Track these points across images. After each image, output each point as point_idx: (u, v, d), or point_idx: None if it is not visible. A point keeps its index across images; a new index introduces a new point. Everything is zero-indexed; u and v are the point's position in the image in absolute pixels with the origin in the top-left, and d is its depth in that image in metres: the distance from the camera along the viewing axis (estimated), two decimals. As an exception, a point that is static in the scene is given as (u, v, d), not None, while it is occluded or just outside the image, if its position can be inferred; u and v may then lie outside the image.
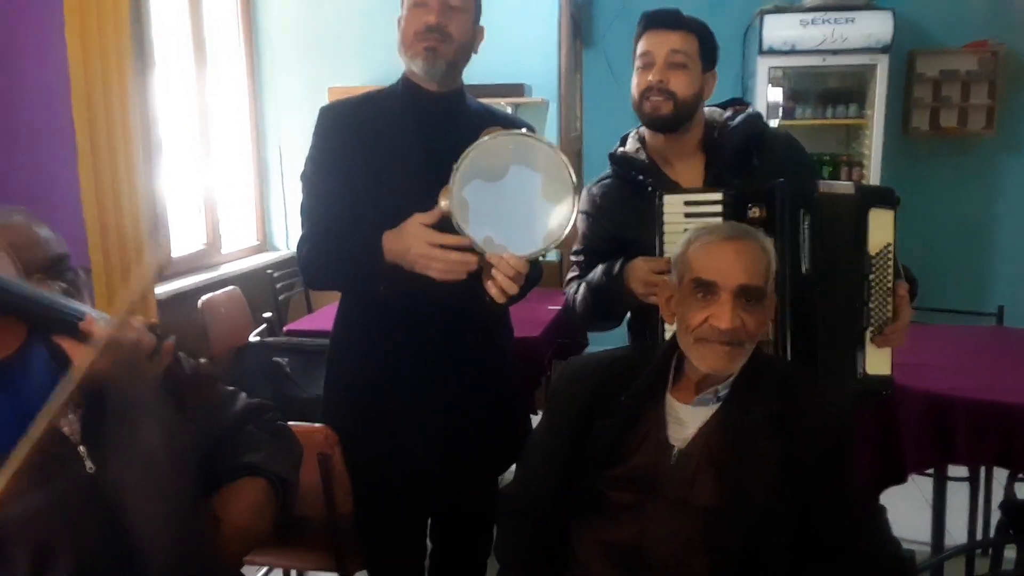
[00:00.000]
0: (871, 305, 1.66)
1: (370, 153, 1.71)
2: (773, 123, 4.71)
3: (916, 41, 4.74)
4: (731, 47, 4.88)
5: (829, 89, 4.76)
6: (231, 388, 1.59)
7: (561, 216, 1.56)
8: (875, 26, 4.35)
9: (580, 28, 4.87)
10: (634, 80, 1.87)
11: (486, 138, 1.55)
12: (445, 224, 1.55)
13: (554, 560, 1.53)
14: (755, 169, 1.82)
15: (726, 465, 1.39)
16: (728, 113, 1.94)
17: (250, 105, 4.28)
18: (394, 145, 1.72)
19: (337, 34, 4.16)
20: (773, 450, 1.38)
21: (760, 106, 4.54)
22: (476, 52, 1.78)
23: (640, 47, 1.85)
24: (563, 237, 1.56)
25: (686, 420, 1.45)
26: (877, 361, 1.68)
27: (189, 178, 3.67)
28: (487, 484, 1.93)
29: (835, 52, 4.42)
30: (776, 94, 4.70)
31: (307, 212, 1.78)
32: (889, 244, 1.67)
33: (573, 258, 2.00)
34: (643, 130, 1.94)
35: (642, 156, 1.90)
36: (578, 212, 1.57)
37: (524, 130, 1.58)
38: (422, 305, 1.68)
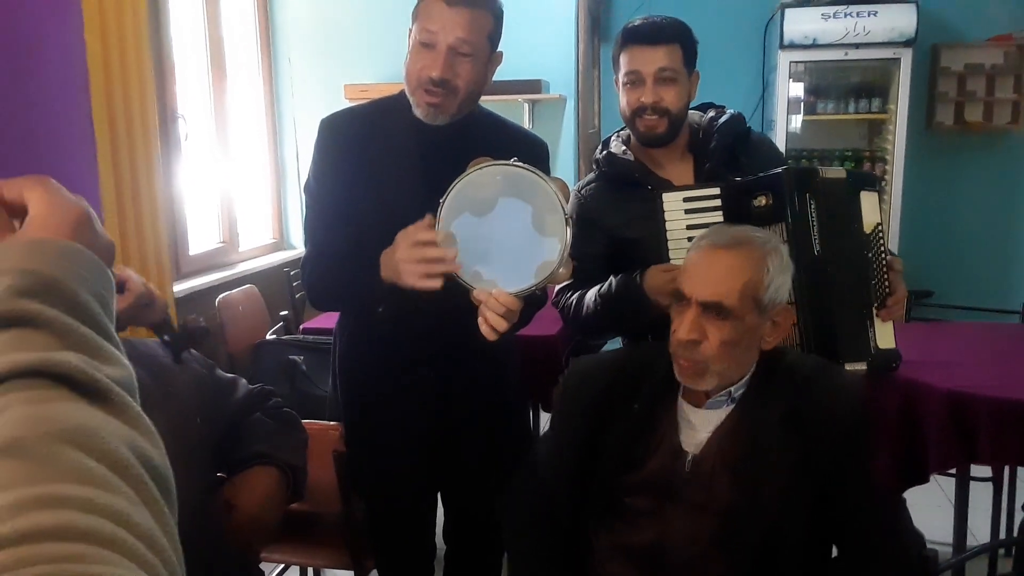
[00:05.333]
0: (873, 282, 1.73)
1: (372, 177, 1.68)
2: (796, 119, 4.68)
3: (940, 34, 4.67)
4: (752, 42, 4.84)
5: (851, 84, 4.70)
6: (231, 375, 1.60)
7: (554, 249, 1.46)
8: (898, 19, 4.28)
9: (598, 24, 4.85)
10: (622, 97, 1.87)
11: (472, 170, 1.46)
12: None
13: (569, 563, 1.51)
14: (743, 166, 1.85)
15: (741, 468, 1.37)
16: (711, 114, 1.96)
17: (267, 103, 4.29)
18: (397, 172, 1.68)
19: (352, 32, 4.16)
20: (788, 449, 1.36)
21: (781, 101, 4.51)
22: (489, 84, 1.71)
23: (624, 64, 1.84)
24: (557, 271, 1.47)
25: (698, 424, 1.43)
26: (884, 335, 1.74)
27: (207, 176, 3.69)
28: (497, 485, 1.92)
29: (857, 46, 4.36)
30: (797, 89, 4.65)
31: (310, 231, 1.77)
32: (879, 223, 1.75)
33: None
34: (626, 132, 1.94)
35: (630, 157, 1.91)
36: (571, 240, 1.47)
37: (514, 159, 1.47)
38: (420, 328, 1.64)
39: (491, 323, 1.45)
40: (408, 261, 1.48)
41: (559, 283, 1.55)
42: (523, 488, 1.62)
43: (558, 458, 1.53)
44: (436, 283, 1.47)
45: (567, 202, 1.46)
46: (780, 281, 1.40)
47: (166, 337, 1.39)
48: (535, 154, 1.77)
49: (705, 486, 1.38)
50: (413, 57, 1.62)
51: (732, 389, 1.41)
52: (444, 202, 1.45)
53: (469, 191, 1.46)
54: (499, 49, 1.70)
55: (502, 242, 1.46)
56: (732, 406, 1.41)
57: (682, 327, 1.37)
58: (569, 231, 1.45)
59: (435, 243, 1.46)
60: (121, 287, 1.20)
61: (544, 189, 1.45)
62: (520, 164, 1.46)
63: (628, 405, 1.46)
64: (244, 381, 1.62)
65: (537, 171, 1.46)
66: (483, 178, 1.46)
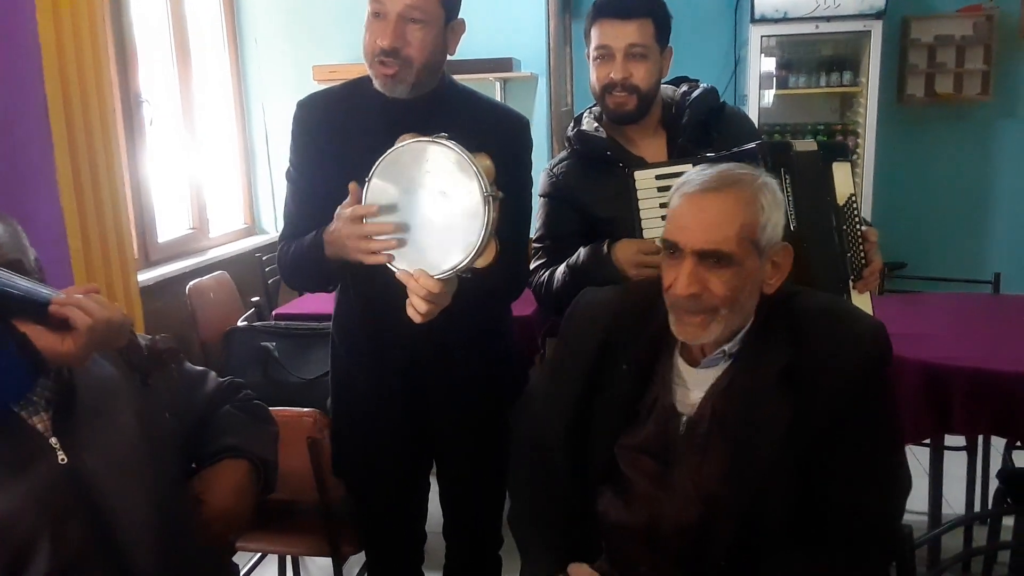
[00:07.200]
0: (848, 255, 1.72)
1: (343, 157, 1.64)
2: (768, 93, 4.67)
3: (910, 6, 4.68)
4: (723, 16, 4.82)
5: (823, 57, 4.71)
6: (200, 368, 1.58)
7: (476, 229, 1.38)
8: (868, -9, 4.29)
9: (569, 0, 4.80)
10: (592, 73, 1.85)
11: (398, 145, 1.41)
12: None
13: (571, 530, 1.45)
14: (715, 141, 1.83)
15: (734, 431, 1.30)
16: (683, 88, 1.94)
17: (234, 85, 4.21)
18: (367, 152, 1.59)
19: (320, 11, 4.09)
20: (784, 409, 1.27)
21: (753, 76, 4.50)
22: (453, 53, 1.65)
23: (595, 39, 1.81)
24: (479, 254, 1.39)
25: (692, 384, 1.36)
26: (861, 307, 1.70)
27: (175, 161, 3.62)
28: (494, 464, 1.89)
29: (828, 19, 4.37)
30: (769, 63, 4.65)
31: (287, 213, 1.76)
32: (853, 195, 1.74)
33: (537, 244, 1.95)
34: (598, 108, 1.92)
35: (602, 134, 1.88)
36: (492, 222, 1.40)
37: (442, 135, 1.40)
38: (403, 332, 1.56)
39: (414, 306, 1.42)
40: (350, 237, 1.46)
41: (483, 267, 1.46)
42: (521, 444, 1.55)
43: (554, 417, 1.46)
44: (381, 259, 1.44)
45: (491, 182, 1.40)
46: (775, 218, 1.31)
47: (132, 361, 1.32)
48: (513, 129, 1.73)
49: (700, 449, 1.32)
50: (367, 27, 1.58)
51: (727, 347, 1.33)
52: (369, 179, 1.42)
53: (394, 169, 1.41)
54: (460, 17, 1.63)
55: (426, 223, 1.41)
56: (728, 363, 1.34)
57: (679, 281, 1.28)
58: (489, 212, 1.38)
59: (372, 214, 1.43)
60: (64, 324, 1.12)
61: (468, 168, 1.39)
62: (445, 141, 1.40)
63: (622, 359, 1.39)
64: (213, 374, 1.59)
65: (462, 149, 1.39)
66: (407, 156, 1.41)
